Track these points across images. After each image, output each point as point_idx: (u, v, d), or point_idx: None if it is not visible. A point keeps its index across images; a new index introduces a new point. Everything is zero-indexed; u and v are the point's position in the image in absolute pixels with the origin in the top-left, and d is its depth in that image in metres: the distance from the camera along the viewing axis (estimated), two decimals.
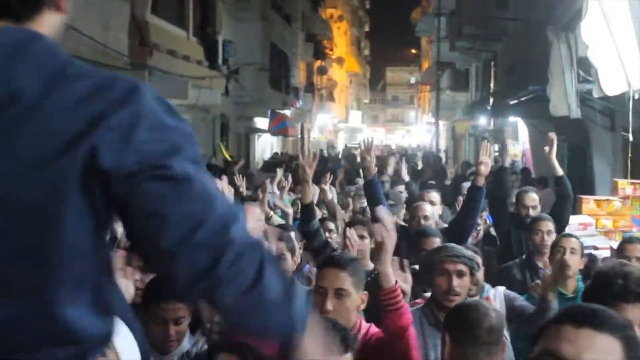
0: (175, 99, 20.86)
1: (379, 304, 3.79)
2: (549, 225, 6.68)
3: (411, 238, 6.34)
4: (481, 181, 6.61)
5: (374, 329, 3.97)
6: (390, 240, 3.83)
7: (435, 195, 8.63)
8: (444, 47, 35.49)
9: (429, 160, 25.28)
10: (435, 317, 4.33)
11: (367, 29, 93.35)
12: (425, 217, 6.81)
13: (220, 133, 28.61)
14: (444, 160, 37.69)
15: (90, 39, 13.62)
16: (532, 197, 7.78)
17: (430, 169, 20.73)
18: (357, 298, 3.95)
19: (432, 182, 14.02)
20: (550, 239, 6.43)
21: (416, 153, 37.42)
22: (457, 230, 6.57)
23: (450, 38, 33.36)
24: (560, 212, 7.51)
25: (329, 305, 3.82)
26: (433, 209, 7.37)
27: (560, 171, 7.59)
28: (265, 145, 40.26)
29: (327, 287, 3.89)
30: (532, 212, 7.53)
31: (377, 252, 3.87)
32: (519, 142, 23.41)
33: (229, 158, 21.88)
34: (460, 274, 4.41)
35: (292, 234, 6.39)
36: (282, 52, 36.44)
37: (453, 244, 4.77)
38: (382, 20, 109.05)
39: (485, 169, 6.60)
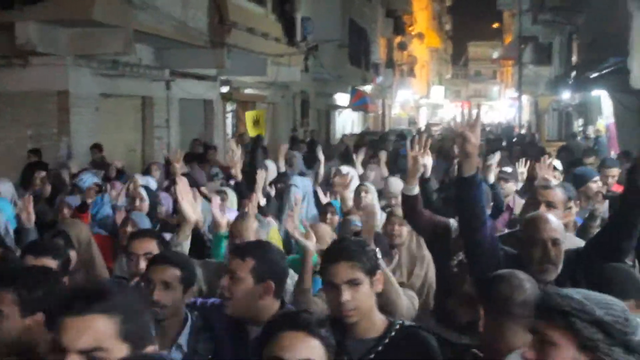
0: (254, 76, 21.24)
1: None
2: None
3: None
4: None
5: None
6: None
7: (559, 194, 5.32)
8: (527, 20, 35.08)
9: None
10: None
11: (448, 3, 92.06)
12: (555, 242, 4.05)
13: (301, 109, 28.89)
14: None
15: (170, 17, 13.93)
16: None
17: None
18: None
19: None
20: None
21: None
22: (606, 251, 4.16)
23: (532, 11, 32.85)
24: None
25: None
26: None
27: None
28: (346, 122, 40.37)
29: None
30: None
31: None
32: (603, 117, 22.95)
33: (255, 133, 16.40)
34: None
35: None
36: (361, 28, 36.38)
37: None
38: None
39: None
